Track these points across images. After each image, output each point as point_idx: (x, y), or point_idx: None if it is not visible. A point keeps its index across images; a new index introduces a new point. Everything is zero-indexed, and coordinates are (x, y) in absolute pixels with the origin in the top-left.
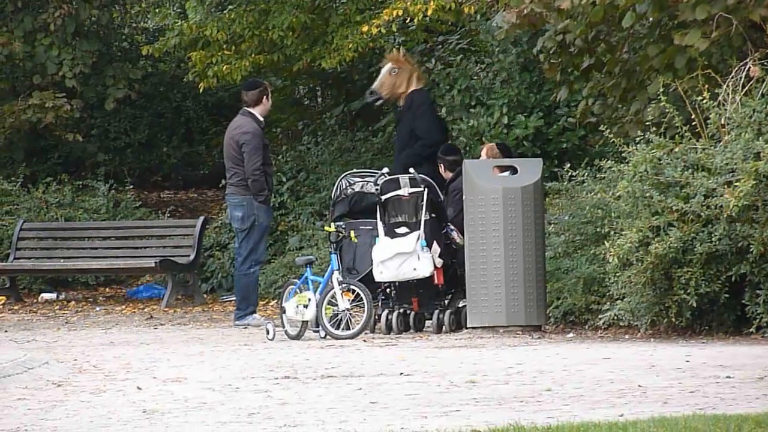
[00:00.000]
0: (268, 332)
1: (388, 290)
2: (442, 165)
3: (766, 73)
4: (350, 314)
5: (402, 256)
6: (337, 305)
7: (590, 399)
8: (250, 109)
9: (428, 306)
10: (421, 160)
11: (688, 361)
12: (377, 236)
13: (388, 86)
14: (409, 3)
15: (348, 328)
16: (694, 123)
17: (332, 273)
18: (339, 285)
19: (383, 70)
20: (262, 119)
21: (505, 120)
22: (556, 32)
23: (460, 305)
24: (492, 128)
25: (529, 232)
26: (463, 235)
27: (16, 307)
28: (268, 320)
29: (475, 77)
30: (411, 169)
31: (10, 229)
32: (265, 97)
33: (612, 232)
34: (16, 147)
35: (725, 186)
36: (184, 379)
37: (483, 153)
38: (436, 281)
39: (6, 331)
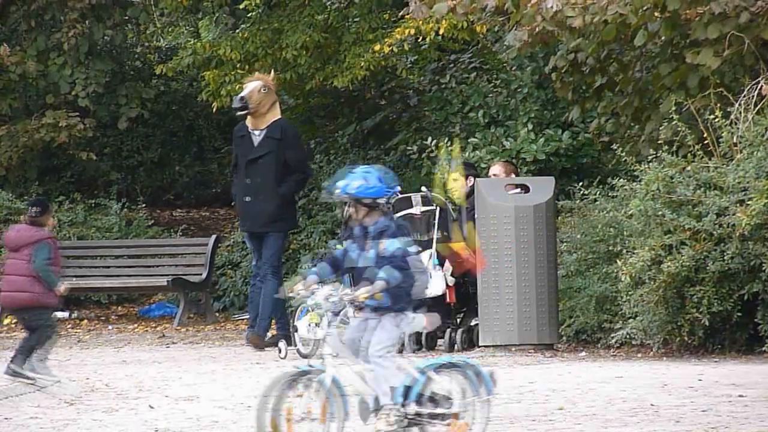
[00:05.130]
0: (280, 351)
1: None
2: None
3: None
4: None
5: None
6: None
7: (602, 418)
8: None
9: (440, 324)
10: (299, 191)
11: (700, 380)
12: None
13: (256, 101)
14: (421, 22)
15: None
16: (706, 141)
17: None
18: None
19: (252, 85)
20: None
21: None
22: (568, 51)
23: (472, 324)
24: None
25: (541, 250)
26: None
27: None
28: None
29: (490, 95)
30: (423, 188)
31: None
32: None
33: (624, 251)
34: (29, 166)
35: (737, 204)
36: (196, 397)
37: (498, 170)
38: (448, 300)
39: None
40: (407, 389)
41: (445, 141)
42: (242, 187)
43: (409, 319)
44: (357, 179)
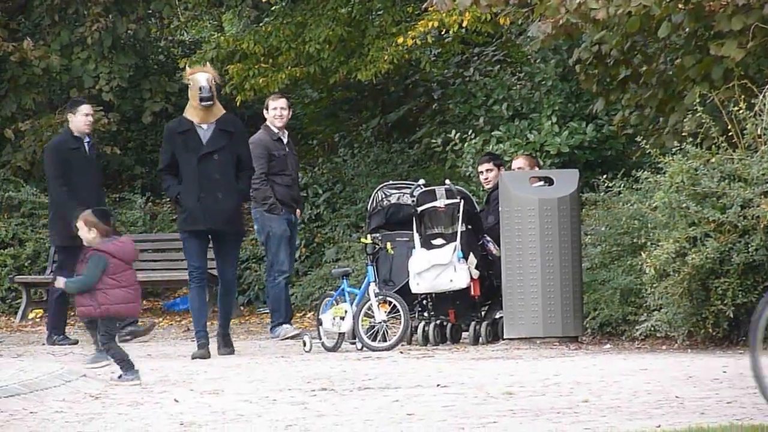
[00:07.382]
0: (304, 344)
1: (424, 302)
2: (495, 168)
3: None
4: (387, 326)
5: (438, 268)
6: (373, 317)
7: (627, 410)
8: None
9: (465, 317)
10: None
11: (725, 372)
12: (413, 248)
13: (212, 92)
14: (444, 14)
15: (385, 340)
16: (730, 133)
17: (369, 285)
18: (375, 297)
19: (205, 75)
20: (275, 130)
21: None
22: (592, 43)
23: (497, 316)
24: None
25: (565, 243)
26: (499, 246)
27: None
28: (305, 332)
29: (514, 87)
30: (447, 181)
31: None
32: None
33: (649, 243)
34: None
35: (762, 196)
36: (221, 391)
37: (522, 163)
38: (472, 292)
39: (44, 344)
40: None
41: (470, 134)
42: (194, 184)
43: None
44: None
